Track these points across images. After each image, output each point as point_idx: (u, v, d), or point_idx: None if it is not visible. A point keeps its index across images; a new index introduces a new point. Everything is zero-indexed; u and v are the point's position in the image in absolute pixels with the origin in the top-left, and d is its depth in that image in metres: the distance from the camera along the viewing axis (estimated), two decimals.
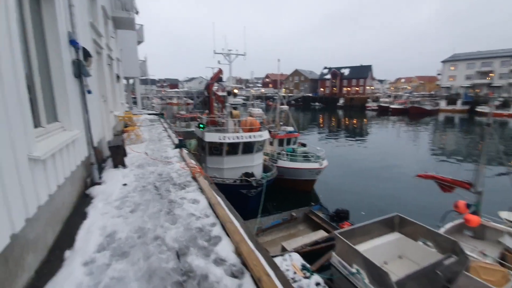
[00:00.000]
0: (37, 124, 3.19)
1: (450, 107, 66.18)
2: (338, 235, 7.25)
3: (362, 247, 7.56)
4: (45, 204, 2.75)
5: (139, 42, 23.45)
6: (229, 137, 12.19)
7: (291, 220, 11.30)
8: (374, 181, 16.89)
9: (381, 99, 72.96)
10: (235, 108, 13.20)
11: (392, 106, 65.71)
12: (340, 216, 11.33)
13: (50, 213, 2.91)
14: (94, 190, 4.27)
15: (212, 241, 3.02)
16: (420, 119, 55.77)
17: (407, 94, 72.71)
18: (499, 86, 68.50)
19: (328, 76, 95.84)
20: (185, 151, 7.25)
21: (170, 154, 7.11)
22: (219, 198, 3.97)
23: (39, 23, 3.45)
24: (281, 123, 17.68)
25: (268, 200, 12.26)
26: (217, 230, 3.22)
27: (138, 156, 6.86)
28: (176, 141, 8.46)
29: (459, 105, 65.44)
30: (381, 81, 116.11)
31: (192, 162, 6.09)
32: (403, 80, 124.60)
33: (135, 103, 26.61)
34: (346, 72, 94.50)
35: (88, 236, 3.08)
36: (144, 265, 2.59)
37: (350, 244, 7.05)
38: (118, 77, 10.17)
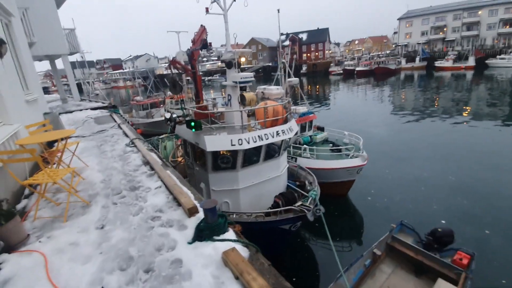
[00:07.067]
0: None
1: (409, 65, 66.57)
2: None
3: None
4: None
5: (60, 3, 16.13)
6: (248, 140, 7.10)
7: (375, 262, 7.04)
8: (424, 169, 13.13)
9: (345, 62, 70.86)
10: (243, 89, 7.95)
11: (357, 69, 64.04)
12: (443, 242, 7.30)
13: None
14: None
15: None
16: (386, 79, 54.81)
17: (367, 55, 71.57)
18: (452, 40, 70.31)
19: (287, 43, 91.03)
20: None
21: None
22: None
23: None
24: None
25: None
26: None
27: None
28: (183, 195, 3.22)
29: (417, 62, 65.94)
30: (337, 44, 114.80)
31: None
32: (357, 42, 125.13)
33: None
34: (304, 37, 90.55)
35: None
36: None
37: None
38: (0, 42, 4.34)
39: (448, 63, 59.41)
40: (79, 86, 23.35)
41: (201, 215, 2.96)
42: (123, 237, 2.80)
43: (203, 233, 2.52)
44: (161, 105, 23.31)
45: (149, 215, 3.18)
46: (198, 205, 3.05)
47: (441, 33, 71.50)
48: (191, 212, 2.98)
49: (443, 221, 9.09)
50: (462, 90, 34.46)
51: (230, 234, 2.57)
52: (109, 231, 2.93)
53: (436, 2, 76.45)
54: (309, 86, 56.40)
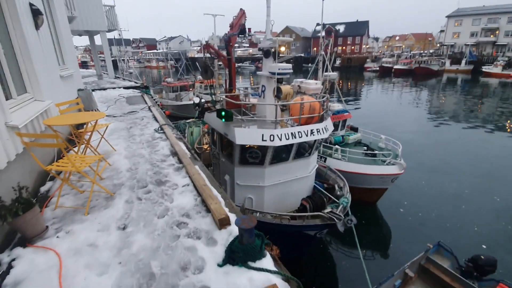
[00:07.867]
0: None
1: (454, 67, 61.80)
2: None
3: None
4: None
5: None
6: (280, 136, 6.65)
7: (405, 283, 6.50)
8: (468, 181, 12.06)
9: (383, 59, 67.25)
10: (279, 81, 7.44)
11: (395, 67, 60.57)
12: (484, 270, 6.57)
13: None
14: None
15: None
16: (427, 81, 51.42)
17: (407, 53, 67.34)
18: (503, 44, 64.25)
19: (322, 34, 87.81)
20: None
21: None
22: None
23: None
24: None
25: None
26: None
27: None
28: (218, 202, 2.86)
29: (463, 65, 61.10)
30: (376, 39, 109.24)
31: None
32: (397, 38, 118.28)
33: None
34: (341, 29, 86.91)
35: None
36: None
37: None
38: (37, 13, 4.15)
39: (496, 69, 54.57)
40: (114, 63, 23.85)
41: (232, 228, 2.60)
42: (145, 245, 2.51)
43: (236, 255, 2.14)
44: (191, 89, 23.28)
45: (175, 220, 2.87)
46: (229, 214, 2.69)
47: (492, 36, 65.46)
48: (222, 223, 2.62)
49: (484, 246, 8.23)
50: (510, 101, 31.44)
51: (268, 260, 2.18)
52: (131, 234, 2.66)
53: (489, 2, 69.16)
54: (341, 81, 54.22)
